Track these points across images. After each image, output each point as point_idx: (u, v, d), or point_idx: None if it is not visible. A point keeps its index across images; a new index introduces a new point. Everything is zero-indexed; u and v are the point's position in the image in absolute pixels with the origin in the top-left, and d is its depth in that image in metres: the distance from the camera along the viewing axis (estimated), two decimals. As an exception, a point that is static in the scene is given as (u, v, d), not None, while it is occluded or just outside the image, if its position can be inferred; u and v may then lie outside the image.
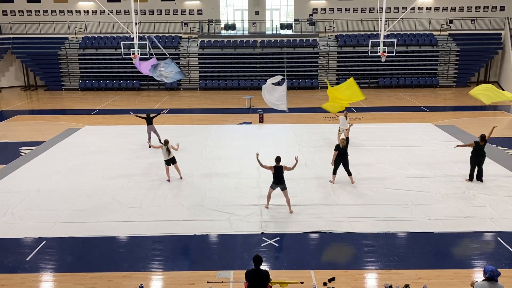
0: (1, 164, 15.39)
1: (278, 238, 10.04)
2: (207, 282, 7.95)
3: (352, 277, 8.59)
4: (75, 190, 12.83)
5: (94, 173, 14.23)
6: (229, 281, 8.40)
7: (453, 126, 19.94)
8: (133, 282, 8.45)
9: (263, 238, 10.06)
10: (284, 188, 11.04)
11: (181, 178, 13.59)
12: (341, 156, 12.90)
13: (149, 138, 16.95)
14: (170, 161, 13.31)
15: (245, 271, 6.94)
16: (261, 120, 21.37)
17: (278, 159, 10.90)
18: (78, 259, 9.29)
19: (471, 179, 13.19)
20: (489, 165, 14.64)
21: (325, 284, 8.28)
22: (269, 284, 6.89)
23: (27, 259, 9.28)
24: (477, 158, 12.99)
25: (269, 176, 13.73)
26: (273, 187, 11.14)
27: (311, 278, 8.51)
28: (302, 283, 7.38)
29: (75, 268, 8.96)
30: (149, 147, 16.53)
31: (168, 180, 13.42)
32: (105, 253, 9.54)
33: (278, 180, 10.93)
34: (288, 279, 8.06)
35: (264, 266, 8.06)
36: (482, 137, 12.89)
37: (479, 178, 13.12)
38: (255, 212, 11.30)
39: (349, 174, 13.16)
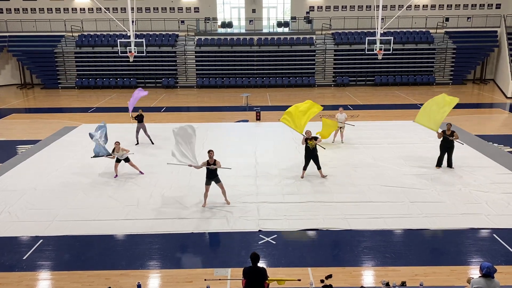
0: (-2, 162, 15.35)
1: (276, 235, 10.06)
2: (205, 280, 7.95)
3: (349, 274, 8.62)
4: (72, 189, 12.81)
5: (91, 171, 14.22)
6: (227, 279, 8.42)
7: (449, 123, 19.93)
8: (130, 280, 8.46)
9: (260, 235, 10.08)
10: (218, 181, 11.44)
11: (140, 172, 14.10)
12: (309, 153, 13.17)
13: (137, 135, 17.41)
14: (123, 160, 13.90)
15: (242, 268, 6.97)
16: (258, 118, 21.38)
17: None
18: (75, 258, 9.29)
19: (439, 165, 14.18)
20: (485, 162, 14.75)
21: (322, 281, 8.31)
22: (267, 281, 6.91)
23: (24, 258, 9.27)
24: (446, 145, 14.03)
25: (266, 174, 13.83)
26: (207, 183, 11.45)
27: (308, 275, 8.55)
28: (299, 280, 7.40)
29: (73, 267, 8.95)
30: (137, 143, 17.24)
31: (116, 176, 13.85)
32: (102, 251, 9.54)
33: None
34: (286, 277, 8.08)
35: (261, 264, 8.08)
36: (448, 126, 14.08)
37: (450, 165, 14.15)
38: (253, 210, 11.31)
39: (319, 168, 13.38)
